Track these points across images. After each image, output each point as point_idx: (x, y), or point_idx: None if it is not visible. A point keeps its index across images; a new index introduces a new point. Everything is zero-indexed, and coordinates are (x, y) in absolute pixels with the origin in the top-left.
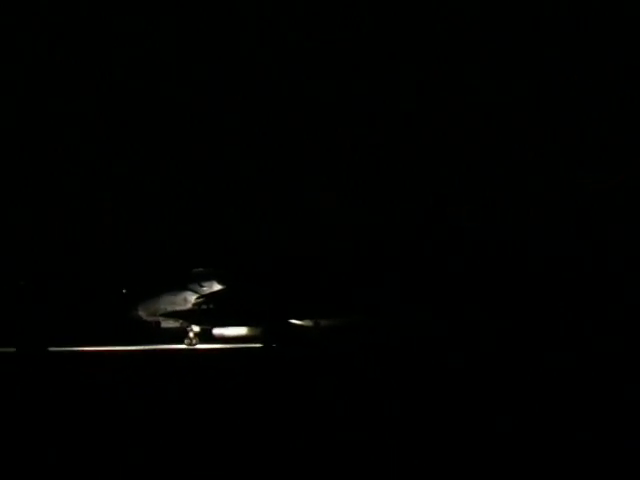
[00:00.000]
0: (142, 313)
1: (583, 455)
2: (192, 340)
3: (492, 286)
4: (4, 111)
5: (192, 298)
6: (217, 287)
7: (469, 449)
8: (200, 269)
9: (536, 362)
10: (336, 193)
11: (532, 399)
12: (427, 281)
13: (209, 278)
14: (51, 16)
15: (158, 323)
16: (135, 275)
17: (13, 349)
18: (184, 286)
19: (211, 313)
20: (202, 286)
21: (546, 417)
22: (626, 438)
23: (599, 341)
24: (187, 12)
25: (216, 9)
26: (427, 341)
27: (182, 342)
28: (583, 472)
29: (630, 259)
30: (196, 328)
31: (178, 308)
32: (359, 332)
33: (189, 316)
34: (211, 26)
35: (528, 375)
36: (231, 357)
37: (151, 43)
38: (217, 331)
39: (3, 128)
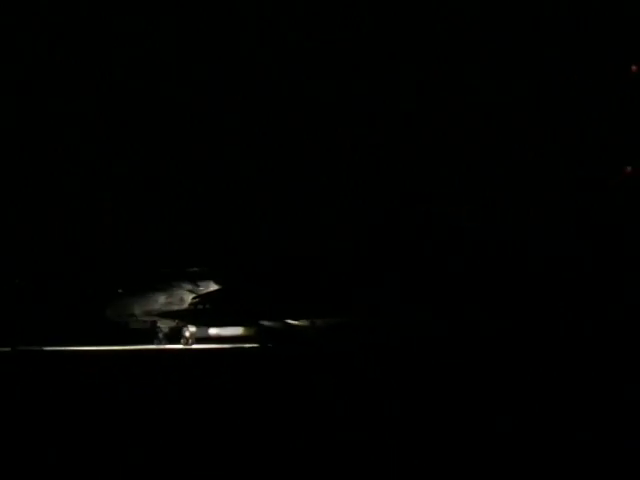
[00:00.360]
0: (137, 312)
1: (583, 455)
2: (188, 340)
3: (492, 286)
4: (4, 111)
5: (188, 298)
6: (213, 287)
7: (469, 449)
8: (196, 269)
9: (536, 362)
10: (336, 193)
11: (532, 399)
12: (427, 281)
13: (205, 278)
14: (51, 16)
15: (154, 323)
16: (131, 274)
17: (8, 348)
18: (180, 286)
19: (207, 313)
20: (198, 286)
21: (546, 417)
22: (626, 438)
23: (599, 341)
24: (187, 12)
25: (216, 9)
26: (427, 341)
27: (178, 342)
28: (583, 472)
29: (630, 259)
30: (192, 328)
31: (174, 308)
32: (359, 332)
33: (185, 316)
34: (211, 26)
35: (528, 375)
36: (229, 357)
37: (151, 43)
38: (213, 331)
39: (3, 128)
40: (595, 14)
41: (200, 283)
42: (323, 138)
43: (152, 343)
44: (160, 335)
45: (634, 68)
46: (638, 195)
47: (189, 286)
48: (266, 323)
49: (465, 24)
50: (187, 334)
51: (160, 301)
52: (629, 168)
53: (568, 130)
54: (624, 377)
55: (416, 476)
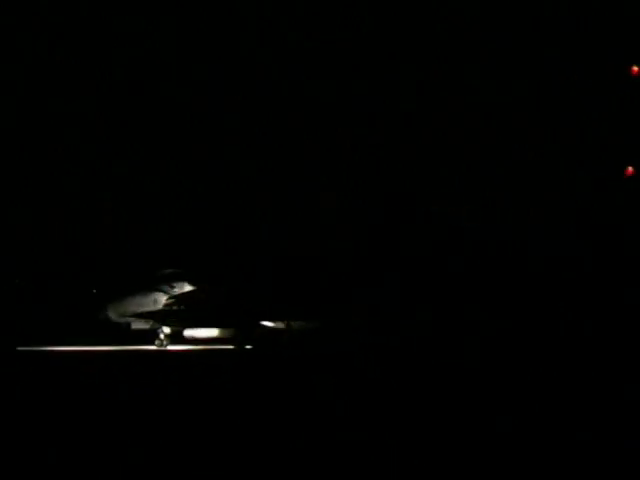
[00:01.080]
0: (111, 314)
1: (583, 455)
2: (162, 341)
3: (492, 286)
4: (4, 111)
5: (162, 299)
6: (187, 288)
7: (469, 449)
8: (170, 270)
9: (536, 362)
10: (336, 193)
11: (532, 399)
12: (427, 281)
13: (179, 279)
14: (51, 16)
15: (128, 324)
16: (130, 274)
17: (8, 348)
18: (154, 287)
19: (181, 314)
20: (172, 287)
21: (546, 417)
22: (626, 438)
23: (599, 341)
24: (187, 12)
25: (216, 9)
26: (427, 341)
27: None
28: (583, 472)
29: (630, 259)
30: (166, 329)
31: (148, 309)
32: (359, 332)
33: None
34: (211, 26)
35: (528, 375)
36: (229, 357)
37: (151, 43)
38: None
39: (3, 128)
40: (595, 14)
41: (173, 284)
42: (323, 138)
43: (152, 344)
44: (160, 336)
45: (635, 70)
46: (638, 195)
47: (162, 287)
48: (266, 323)
49: (465, 24)
50: (187, 335)
51: (160, 302)
52: (629, 168)
53: (568, 130)
54: (624, 377)
55: (416, 476)
